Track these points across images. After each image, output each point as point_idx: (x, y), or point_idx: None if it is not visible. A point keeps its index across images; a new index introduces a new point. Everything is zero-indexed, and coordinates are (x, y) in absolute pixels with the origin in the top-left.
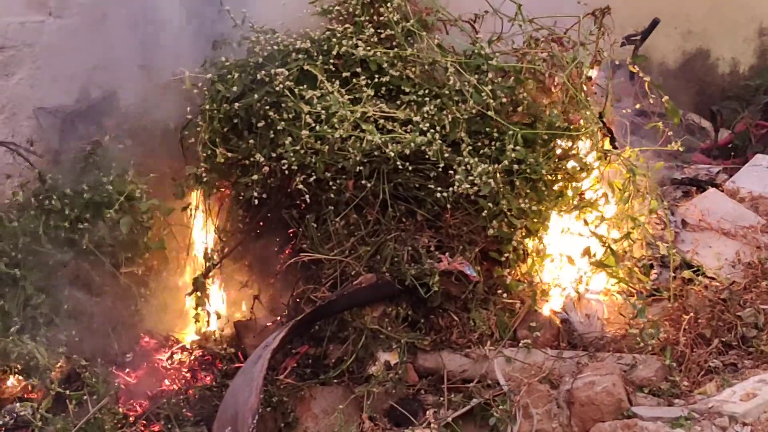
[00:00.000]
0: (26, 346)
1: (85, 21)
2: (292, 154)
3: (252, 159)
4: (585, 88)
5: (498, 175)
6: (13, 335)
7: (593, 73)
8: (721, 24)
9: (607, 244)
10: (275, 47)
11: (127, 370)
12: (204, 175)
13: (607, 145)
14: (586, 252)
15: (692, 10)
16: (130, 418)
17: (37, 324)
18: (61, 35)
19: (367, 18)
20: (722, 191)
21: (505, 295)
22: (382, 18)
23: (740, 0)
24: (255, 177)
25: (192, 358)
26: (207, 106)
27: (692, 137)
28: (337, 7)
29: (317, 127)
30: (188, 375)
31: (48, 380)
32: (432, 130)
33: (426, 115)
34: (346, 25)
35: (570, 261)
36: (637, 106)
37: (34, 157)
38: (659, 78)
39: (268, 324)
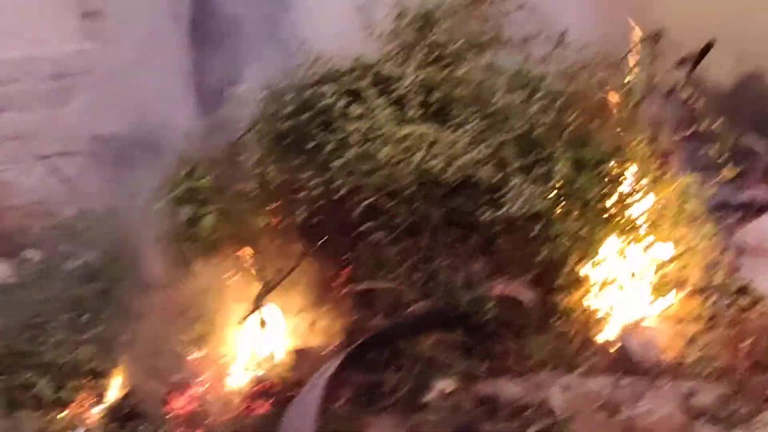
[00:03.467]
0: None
1: (139, 50)
2: (341, 176)
3: (303, 181)
4: (637, 112)
5: (547, 196)
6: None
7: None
8: None
9: (658, 269)
10: (328, 69)
11: (183, 395)
12: (256, 193)
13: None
14: (635, 275)
15: (747, 32)
16: None
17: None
18: (117, 63)
19: (419, 39)
20: None
21: (560, 321)
22: (433, 39)
23: None
24: (303, 196)
25: (249, 385)
26: (259, 125)
27: (748, 161)
28: (389, 31)
29: (364, 147)
30: (244, 403)
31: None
32: (480, 150)
33: (473, 135)
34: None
35: (620, 287)
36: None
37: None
38: (713, 101)
39: (323, 352)
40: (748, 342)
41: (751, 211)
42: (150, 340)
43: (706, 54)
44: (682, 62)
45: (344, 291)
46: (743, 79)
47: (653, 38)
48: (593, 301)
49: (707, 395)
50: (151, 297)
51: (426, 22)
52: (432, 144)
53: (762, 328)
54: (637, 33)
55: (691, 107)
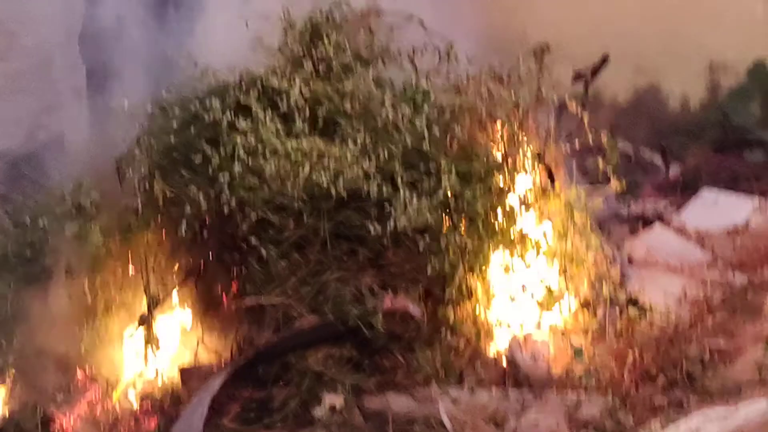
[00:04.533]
0: None
1: (30, 64)
2: (228, 190)
3: (190, 195)
4: (524, 125)
5: (433, 210)
6: None
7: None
8: (671, 60)
9: (544, 283)
10: (215, 83)
11: (69, 412)
12: (142, 209)
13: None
14: (524, 289)
15: (643, 47)
16: None
17: None
18: (6, 78)
19: (306, 53)
20: (669, 226)
21: (450, 334)
22: (320, 53)
23: (690, 36)
24: (190, 211)
25: (136, 402)
26: (145, 139)
27: (644, 172)
28: (277, 44)
29: (250, 161)
30: (132, 420)
31: None
32: (368, 163)
33: (361, 148)
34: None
35: (511, 299)
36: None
37: None
38: (610, 114)
39: (212, 368)
40: (635, 353)
41: (641, 222)
42: (36, 358)
43: (601, 69)
44: (577, 77)
45: (233, 306)
46: (640, 94)
47: (540, 51)
48: (482, 314)
49: (593, 407)
50: (37, 313)
51: (313, 35)
52: (319, 158)
53: (650, 339)
54: (525, 47)
55: (581, 120)
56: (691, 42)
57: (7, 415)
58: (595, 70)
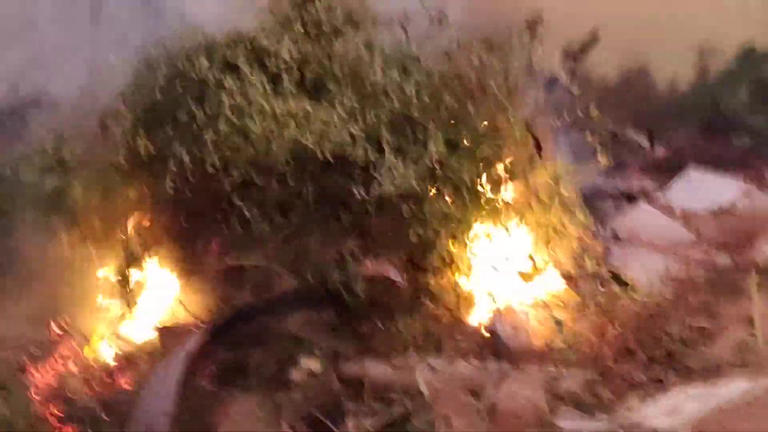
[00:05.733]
0: None
1: (17, 16)
2: (213, 150)
3: (174, 153)
4: (514, 96)
5: (418, 176)
6: None
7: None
8: (660, 42)
9: (527, 254)
10: (202, 41)
11: (44, 367)
12: (125, 164)
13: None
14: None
15: (632, 28)
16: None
17: None
18: None
19: (297, 15)
20: (654, 206)
21: (430, 303)
22: (311, 16)
23: (680, 19)
24: (174, 168)
25: (112, 359)
26: (130, 94)
27: (630, 152)
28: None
29: (237, 121)
30: (107, 377)
31: None
32: (355, 127)
33: (348, 112)
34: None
35: (494, 269)
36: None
37: None
38: (598, 94)
39: (190, 328)
40: (616, 329)
41: (627, 200)
42: (11, 310)
43: (592, 45)
44: (567, 55)
45: (213, 266)
46: (628, 75)
47: (532, 24)
48: (464, 284)
49: (572, 380)
50: (16, 266)
51: None
52: (306, 119)
53: (631, 315)
54: (518, 19)
55: (570, 96)
56: (681, 25)
57: None
58: (585, 47)
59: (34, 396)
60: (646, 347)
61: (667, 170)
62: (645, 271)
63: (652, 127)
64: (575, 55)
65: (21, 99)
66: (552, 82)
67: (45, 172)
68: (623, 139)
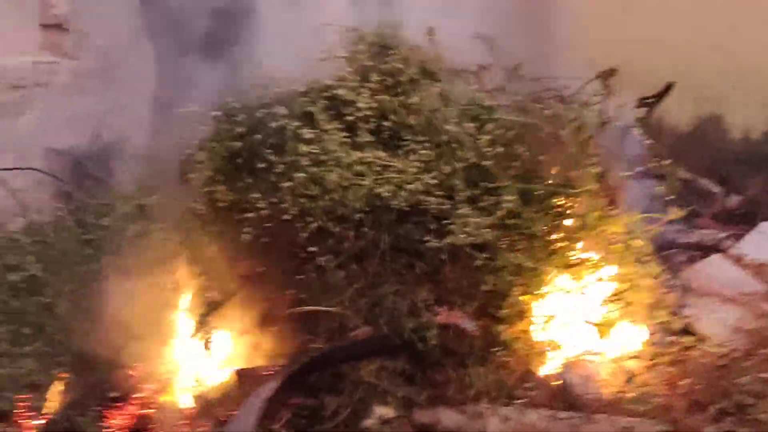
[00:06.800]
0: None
1: (99, 64)
2: (290, 198)
3: (252, 202)
4: (587, 147)
5: (492, 227)
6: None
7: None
8: (734, 89)
9: (602, 305)
10: (281, 90)
11: (121, 411)
12: (204, 212)
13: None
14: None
15: (706, 75)
16: None
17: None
18: (75, 77)
19: (374, 66)
20: (726, 257)
21: (502, 352)
22: (387, 66)
23: (754, 66)
24: (251, 215)
25: (189, 404)
26: (211, 143)
27: (702, 201)
28: (344, 55)
29: (314, 170)
30: (184, 422)
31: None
32: (429, 177)
33: (423, 163)
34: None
35: (566, 323)
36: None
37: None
38: (671, 142)
39: (267, 373)
40: (687, 381)
41: (699, 251)
42: (90, 356)
43: (665, 96)
44: (640, 103)
45: (288, 313)
46: (701, 123)
47: (607, 75)
48: (536, 333)
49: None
50: (93, 312)
51: (382, 48)
52: (382, 170)
53: (702, 367)
54: (592, 69)
55: (643, 146)
56: (757, 73)
57: (60, 411)
58: (659, 97)
59: None
60: (717, 399)
61: (739, 220)
62: (717, 323)
63: (725, 175)
64: (649, 105)
65: (104, 147)
66: (625, 133)
67: (127, 218)
68: (696, 188)
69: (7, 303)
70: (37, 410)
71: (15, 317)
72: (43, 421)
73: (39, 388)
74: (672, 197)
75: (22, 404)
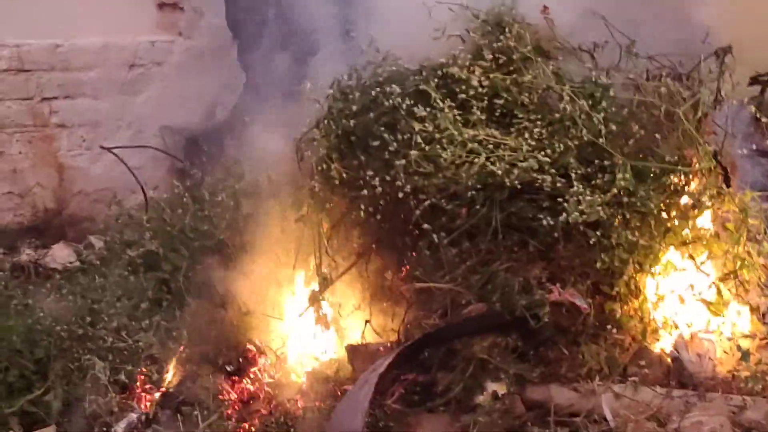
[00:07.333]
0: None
1: (214, 42)
2: (403, 176)
3: (366, 179)
4: (702, 126)
5: (606, 205)
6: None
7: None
8: None
9: (714, 284)
10: (395, 69)
11: (238, 384)
12: (318, 189)
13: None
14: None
15: None
16: None
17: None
18: (190, 56)
19: (487, 43)
20: None
21: (615, 330)
22: (500, 44)
23: None
24: (365, 193)
25: (303, 378)
26: (326, 121)
27: None
28: (457, 34)
29: (427, 148)
30: (298, 395)
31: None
32: (542, 155)
33: (536, 141)
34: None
35: (681, 300)
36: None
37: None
38: None
39: (378, 348)
40: None
41: None
42: (207, 330)
43: None
44: (754, 80)
45: (402, 289)
46: None
47: (723, 52)
48: (649, 312)
49: (758, 411)
50: (210, 287)
51: (495, 26)
52: (495, 148)
53: None
54: (707, 47)
55: (759, 124)
56: None
57: (176, 385)
58: None
59: (229, 414)
60: None
61: None
62: None
63: None
64: (763, 83)
65: (217, 122)
66: (740, 111)
67: (242, 195)
68: None
69: (126, 278)
70: (155, 383)
71: (133, 292)
72: (161, 394)
73: (157, 362)
74: None
75: (141, 377)
